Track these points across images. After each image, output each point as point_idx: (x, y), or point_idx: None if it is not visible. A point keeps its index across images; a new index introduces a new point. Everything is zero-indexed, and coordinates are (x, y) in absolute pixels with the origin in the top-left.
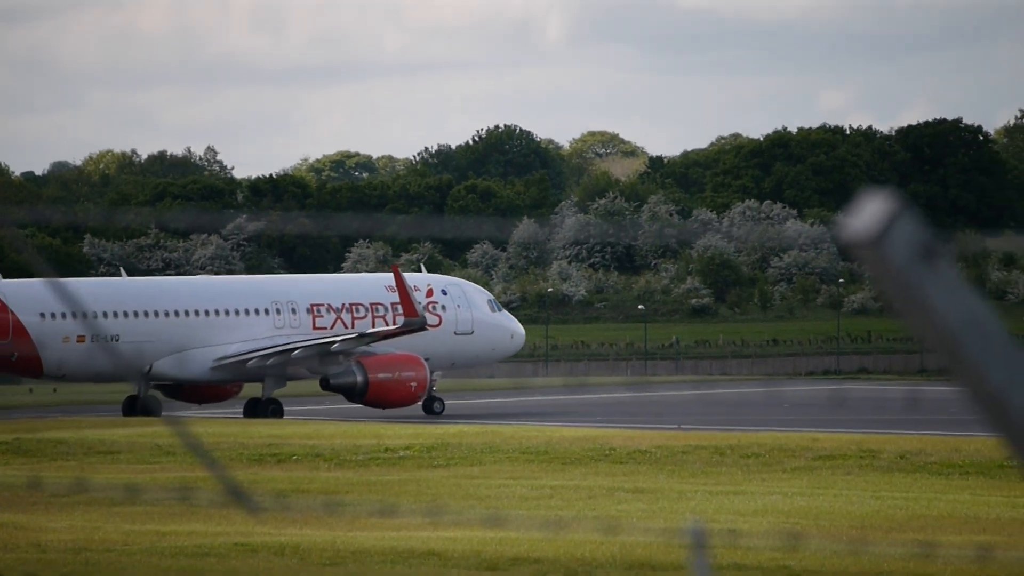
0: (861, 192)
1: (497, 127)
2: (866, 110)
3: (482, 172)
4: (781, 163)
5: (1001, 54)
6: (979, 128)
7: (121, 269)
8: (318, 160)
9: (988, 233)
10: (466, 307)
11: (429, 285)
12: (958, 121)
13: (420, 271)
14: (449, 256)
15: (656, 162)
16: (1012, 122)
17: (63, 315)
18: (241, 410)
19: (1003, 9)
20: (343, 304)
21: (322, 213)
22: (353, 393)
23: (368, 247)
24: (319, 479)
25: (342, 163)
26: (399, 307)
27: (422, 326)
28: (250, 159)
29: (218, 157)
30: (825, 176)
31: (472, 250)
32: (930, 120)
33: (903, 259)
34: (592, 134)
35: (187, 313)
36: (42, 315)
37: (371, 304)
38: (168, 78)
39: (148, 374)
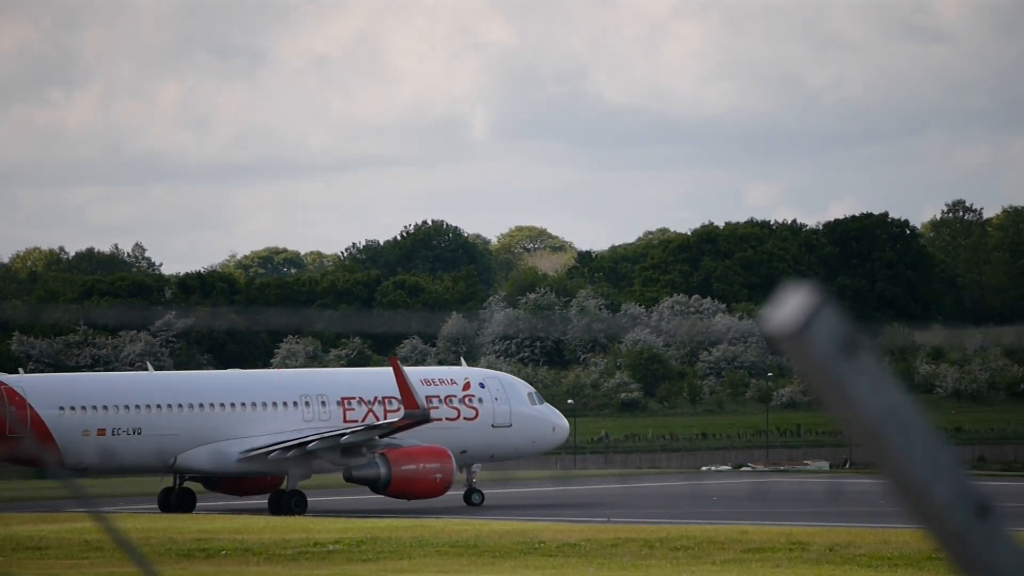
0: (784, 285)
1: (425, 222)
2: (792, 205)
3: (410, 267)
4: (709, 257)
5: (927, 149)
6: (906, 222)
7: (148, 363)
8: (246, 256)
9: (916, 327)
10: (504, 400)
11: (467, 378)
12: (884, 215)
13: (460, 363)
14: (378, 351)
15: (584, 256)
16: (938, 216)
17: (83, 408)
18: (266, 502)
19: (928, 105)
20: (375, 397)
21: (251, 309)
22: (377, 485)
23: (297, 343)
24: (248, 574)
25: (270, 259)
26: (435, 400)
27: (425, 418)
28: (178, 255)
29: (146, 254)
30: (753, 270)
31: (402, 345)
32: (857, 214)
33: (825, 351)
34: (520, 229)
35: (212, 406)
36: (61, 408)
37: None
38: (94, 175)
39: (173, 466)
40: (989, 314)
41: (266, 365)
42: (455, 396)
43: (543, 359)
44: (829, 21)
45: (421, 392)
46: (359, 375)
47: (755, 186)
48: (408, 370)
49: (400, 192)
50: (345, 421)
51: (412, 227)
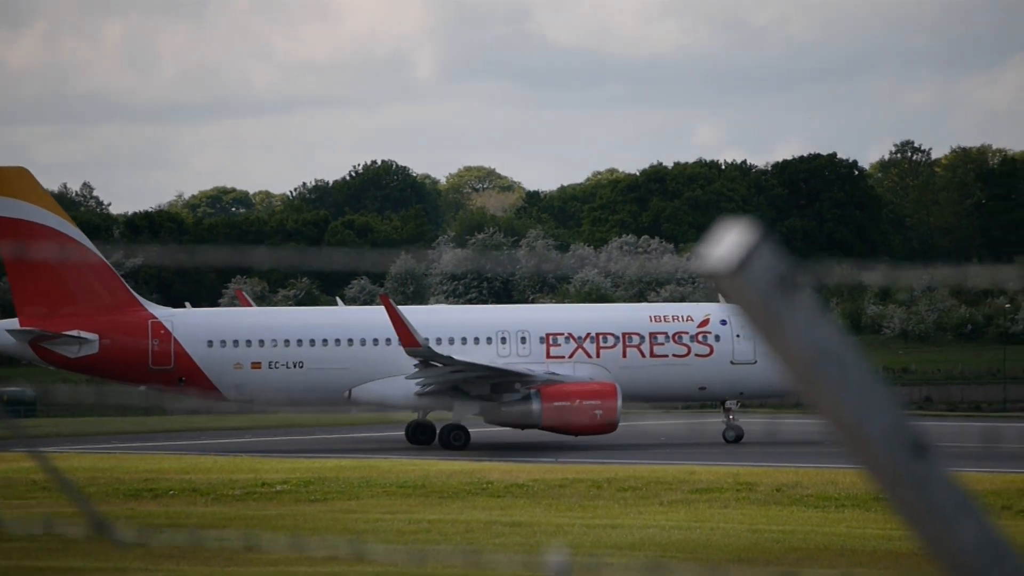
0: (718, 222)
1: (374, 162)
2: (740, 145)
3: (359, 207)
4: (658, 197)
5: (874, 89)
6: (854, 163)
7: (337, 299)
8: (194, 196)
9: (863, 267)
10: (748, 336)
11: (707, 315)
12: (833, 156)
13: (716, 300)
14: (327, 291)
15: (533, 196)
16: (886, 156)
17: (234, 343)
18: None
19: (875, 45)
20: (587, 333)
21: (199, 249)
22: (531, 419)
23: (245, 282)
24: (195, 514)
25: (219, 198)
26: (660, 337)
27: (428, 354)
28: (126, 195)
29: (94, 193)
30: (702, 211)
31: (350, 285)
32: (805, 155)
33: (761, 289)
34: (468, 169)
35: (388, 341)
36: (209, 343)
37: (623, 334)
38: (41, 115)
39: (350, 399)
40: (937, 254)
41: (214, 305)
42: (686, 333)
43: (491, 299)
44: None
45: (647, 329)
46: (566, 310)
47: (702, 126)
48: (633, 306)
49: (347, 132)
50: (548, 357)
51: (361, 167)
